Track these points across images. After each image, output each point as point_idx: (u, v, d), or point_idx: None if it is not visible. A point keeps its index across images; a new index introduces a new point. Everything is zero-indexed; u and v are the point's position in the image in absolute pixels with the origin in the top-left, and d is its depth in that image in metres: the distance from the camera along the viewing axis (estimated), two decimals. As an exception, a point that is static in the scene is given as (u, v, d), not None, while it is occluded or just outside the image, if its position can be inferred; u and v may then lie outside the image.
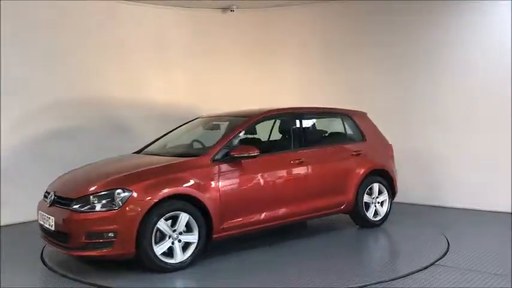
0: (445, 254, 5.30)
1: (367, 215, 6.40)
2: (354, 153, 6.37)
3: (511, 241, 5.72)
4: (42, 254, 5.64)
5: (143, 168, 5.10)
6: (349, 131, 6.65)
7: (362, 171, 6.31)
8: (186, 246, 4.97)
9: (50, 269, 5.16)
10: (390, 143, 6.92)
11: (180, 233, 4.92)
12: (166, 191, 4.81)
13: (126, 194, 4.70)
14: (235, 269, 5.05)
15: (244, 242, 5.87)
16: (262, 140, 6.32)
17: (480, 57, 7.42)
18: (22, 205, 6.96)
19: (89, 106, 7.93)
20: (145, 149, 6.25)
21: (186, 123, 6.74)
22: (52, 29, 7.59)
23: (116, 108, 8.18)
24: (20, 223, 7.10)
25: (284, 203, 5.69)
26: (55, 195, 5.12)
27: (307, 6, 8.83)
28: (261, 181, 5.53)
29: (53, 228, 4.92)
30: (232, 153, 5.29)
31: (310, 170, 5.89)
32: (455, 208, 7.61)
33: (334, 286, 4.52)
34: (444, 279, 4.56)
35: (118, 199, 4.68)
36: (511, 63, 7.10)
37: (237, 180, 5.33)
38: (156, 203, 4.74)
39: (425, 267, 4.87)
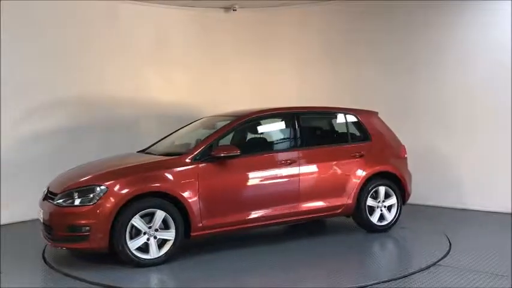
0: (447, 254, 5.31)
1: (371, 219, 6.14)
2: (355, 154, 6.12)
3: (511, 241, 5.74)
4: (43, 252, 5.64)
5: (124, 166, 5.28)
6: (352, 131, 6.40)
7: (364, 173, 6.06)
8: (164, 242, 5.07)
9: (51, 267, 5.16)
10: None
11: (156, 230, 5.02)
12: (139, 188, 4.95)
13: (102, 190, 4.88)
14: (223, 269, 5.05)
15: (242, 241, 5.89)
16: (254, 139, 6.30)
17: (480, 57, 7.43)
18: (23, 204, 6.97)
19: (90, 105, 7.93)
20: (150, 148, 6.26)
21: (192, 122, 6.72)
22: (53, 28, 7.58)
23: (117, 108, 8.18)
24: (21, 222, 7.10)
25: (269, 204, 5.60)
26: (48, 190, 5.38)
27: (309, 5, 8.83)
28: (244, 181, 5.52)
29: (42, 221, 5.21)
30: (212, 153, 5.32)
31: (300, 171, 5.75)
32: (456, 208, 7.62)
33: (335, 286, 4.52)
34: (446, 279, 4.56)
35: (94, 195, 4.87)
36: (511, 63, 7.12)
37: (218, 180, 5.34)
38: (130, 200, 4.89)
39: (427, 267, 4.88)
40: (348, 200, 6.01)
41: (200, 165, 5.27)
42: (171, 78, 8.72)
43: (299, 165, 5.76)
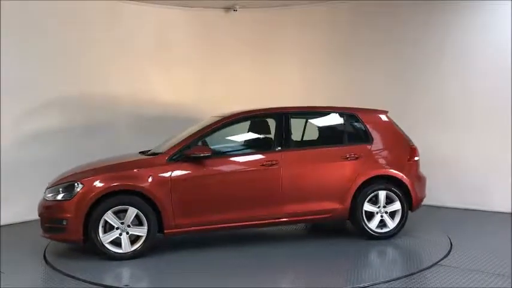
0: (448, 254, 5.32)
1: (369, 225, 5.81)
2: (349, 156, 5.82)
3: (511, 241, 5.74)
4: (44, 252, 5.65)
5: (103, 165, 5.58)
6: (350, 132, 6.12)
7: (359, 176, 5.76)
8: (138, 238, 5.30)
9: (52, 267, 5.16)
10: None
11: (129, 226, 5.25)
12: (110, 186, 5.22)
13: (78, 186, 5.23)
14: (203, 268, 5.09)
15: (234, 241, 5.94)
16: (239, 140, 6.25)
17: (480, 57, 7.45)
18: (23, 204, 6.97)
19: (91, 105, 7.93)
20: (153, 149, 6.24)
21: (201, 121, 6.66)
22: (54, 28, 7.56)
23: (118, 108, 8.18)
24: (21, 222, 7.08)
25: (247, 206, 5.55)
26: (48, 185, 5.67)
27: (310, 5, 8.83)
28: (221, 182, 5.53)
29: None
30: (186, 153, 5.43)
31: (282, 172, 5.59)
32: (456, 208, 7.63)
33: (336, 286, 4.54)
34: (447, 279, 4.57)
35: (72, 191, 5.23)
36: (511, 63, 7.13)
37: (193, 180, 5.43)
38: (103, 196, 5.19)
39: (428, 267, 4.89)
40: (340, 204, 5.75)
41: (175, 164, 5.40)
42: (172, 78, 8.71)
43: (281, 166, 5.60)
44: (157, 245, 5.59)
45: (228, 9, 8.95)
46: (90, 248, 5.35)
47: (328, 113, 6.27)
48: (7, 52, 7.07)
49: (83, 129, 7.82)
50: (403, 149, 6.11)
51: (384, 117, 6.23)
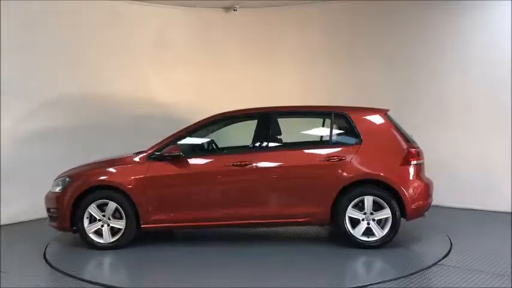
0: (448, 253, 5.32)
1: (352, 233, 5.43)
2: (331, 158, 5.50)
3: (511, 241, 5.74)
4: (45, 252, 5.66)
5: (93, 162, 6.00)
6: (337, 133, 5.83)
7: (342, 179, 5.41)
8: (119, 230, 5.65)
9: (52, 267, 5.16)
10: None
11: (109, 219, 5.62)
12: (91, 181, 5.66)
13: (68, 181, 5.71)
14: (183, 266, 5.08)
15: (232, 241, 5.93)
16: (219, 140, 6.35)
17: (480, 57, 7.46)
18: (23, 204, 6.98)
19: (91, 105, 7.94)
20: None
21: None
22: (54, 28, 7.58)
23: (117, 108, 8.19)
24: (21, 222, 7.11)
25: (220, 206, 5.62)
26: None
27: (310, 5, 8.84)
28: (194, 181, 5.66)
29: None
30: (161, 152, 5.66)
31: (256, 174, 5.53)
32: (455, 208, 7.64)
33: (336, 286, 4.53)
34: (447, 279, 4.57)
35: (64, 184, 5.71)
36: (511, 63, 7.13)
37: (167, 178, 5.64)
38: (87, 190, 5.61)
39: (428, 267, 4.89)
40: (319, 208, 5.50)
41: (153, 163, 5.65)
42: (172, 78, 8.72)
43: (255, 167, 5.54)
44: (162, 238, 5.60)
45: (227, 8, 8.96)
46: (89, 247, 5.53)
47: (315, 113, 6.17)
48: (7, 52, 7.08)
49: (83, 129, 7.83)
50: (399, 151, 5.58)
51: (379, 117, 5.79)
